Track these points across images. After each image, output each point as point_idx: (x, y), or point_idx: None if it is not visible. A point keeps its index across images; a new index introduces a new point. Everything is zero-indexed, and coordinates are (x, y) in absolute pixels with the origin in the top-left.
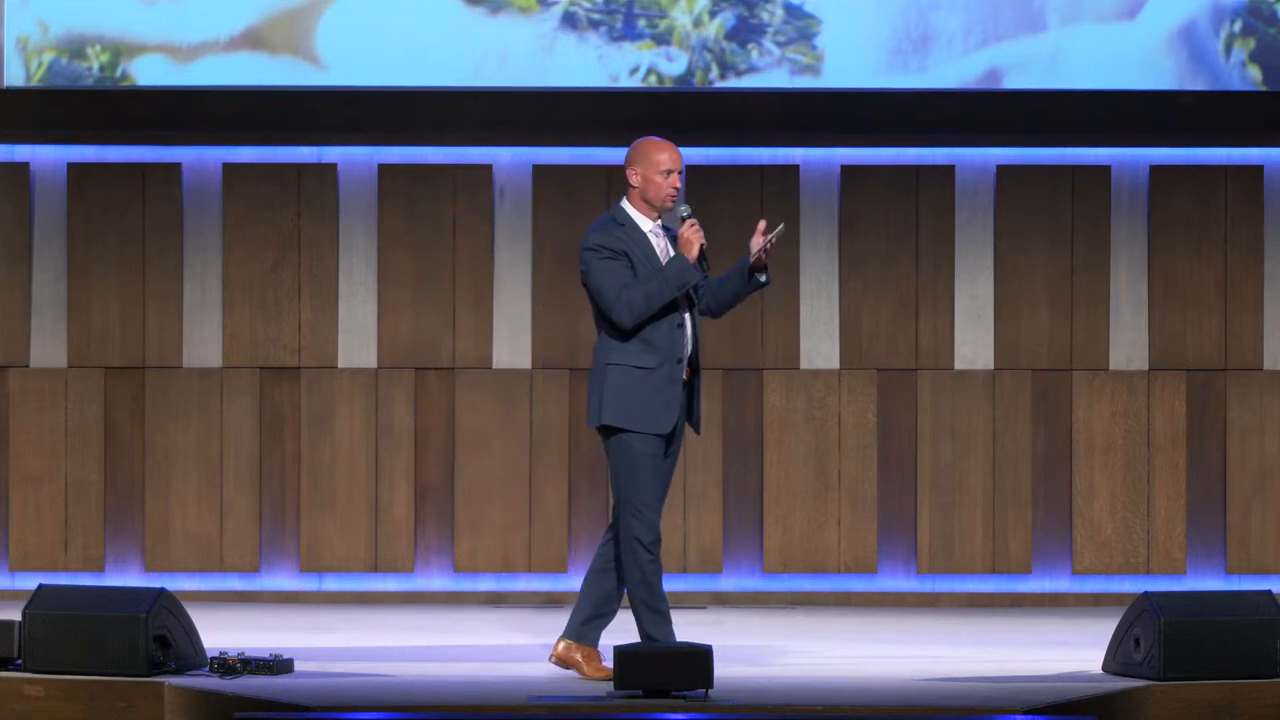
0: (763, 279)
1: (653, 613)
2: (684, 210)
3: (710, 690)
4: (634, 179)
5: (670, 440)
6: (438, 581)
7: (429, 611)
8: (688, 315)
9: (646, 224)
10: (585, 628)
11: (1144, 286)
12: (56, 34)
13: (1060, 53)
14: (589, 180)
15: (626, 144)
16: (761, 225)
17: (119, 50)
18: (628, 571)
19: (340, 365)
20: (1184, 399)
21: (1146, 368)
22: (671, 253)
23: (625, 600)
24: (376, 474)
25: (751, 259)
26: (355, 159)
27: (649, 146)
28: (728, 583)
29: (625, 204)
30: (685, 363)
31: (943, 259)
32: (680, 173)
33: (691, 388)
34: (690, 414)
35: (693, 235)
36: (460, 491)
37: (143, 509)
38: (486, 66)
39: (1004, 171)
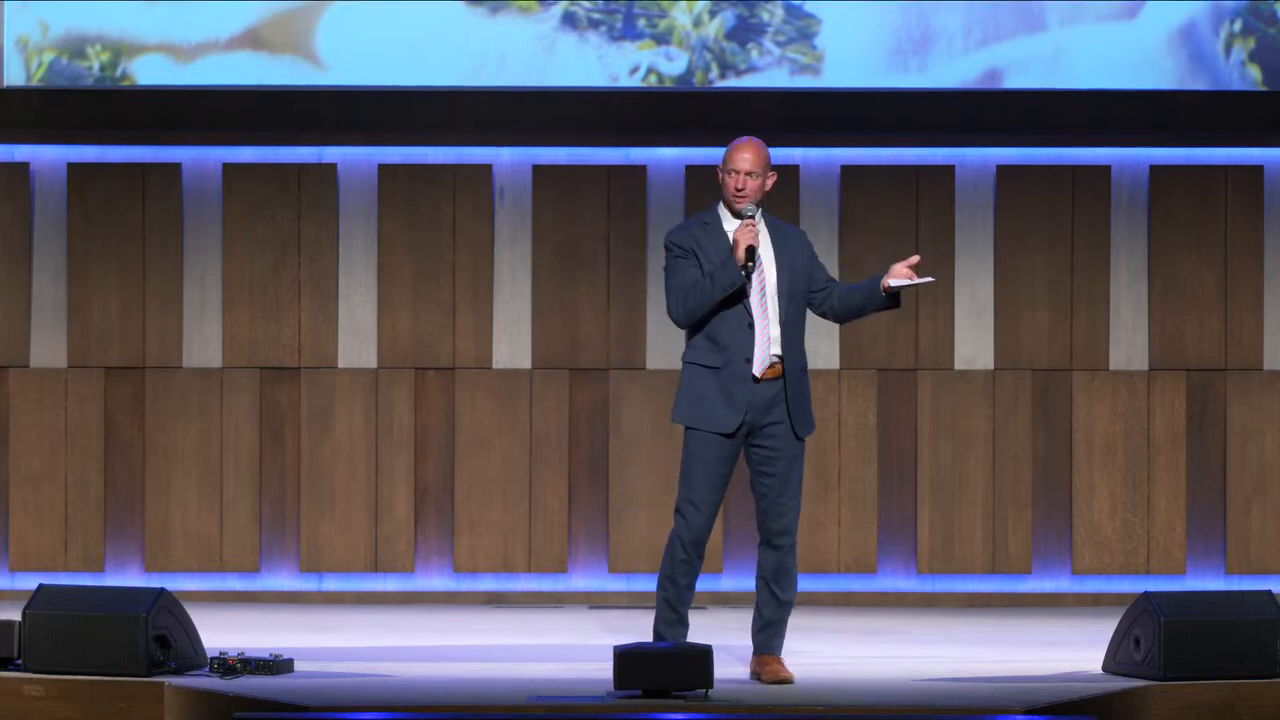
0: (896, 303)
1: (671, 611)
2: (748, 210)
3: (710, 690)
4: (719, 178)
5: (733, 438)
6: (438, 581)
7: (429, 611)
8: (768, 313)
9: (732, 224)
10: (759, 636)
11: (1144, 286)
12: (56, 34)
13: (1060, 53)
14: (589, 180)
15: (626, 144)
16: (915, 260)
17: (119, 50)
18: (662, 564)
19: (340, 365)
20: (1184, 399)
21: (1146, 368)
22: (758, 250)
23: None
24: (376, 474)
25: (885, 285)
26: (355, 159)
27: (730, 147)
28: (728, 583)
29: (719, 203)
30: (757, 362)
31: (943, 259)
32: (745, 174)
33: (784, 388)
34: (789, 415)
35: (739, 235)
36: (460, 491)
37: (143, 509)
38: (486, 66)
39: (1004, 171)
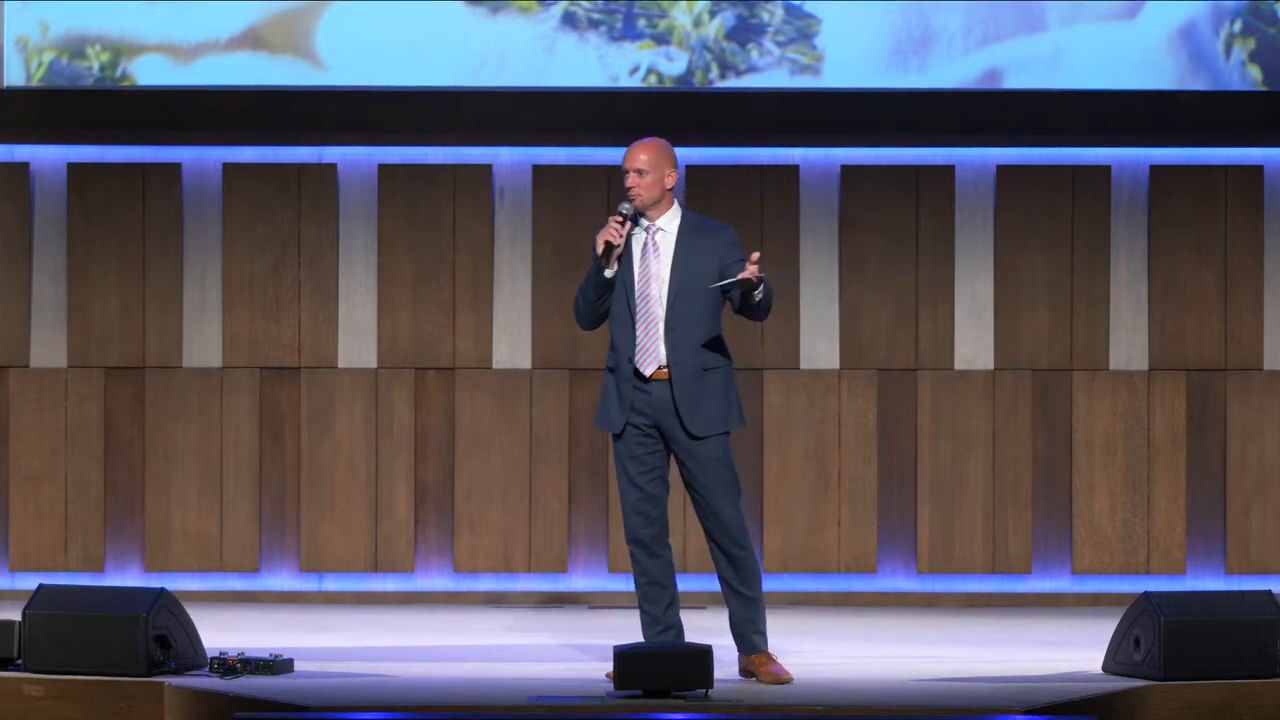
0: (756, 295)
1: (642, 610)
2: (622, 208)
3: (710, 690)
4: None
5: (622, 438)
6: (438, 581)
7: (429, 611)
8: (651, 313)
9: (644, 223)
10: (740, 639)
11: (1144, 286)
12: (56, 34)
13: (1060, 53)
14: (589, 180)
15: (626, 144)
16: (755, 255)
17: (119, 50)
18: None
19: (340, 365)
20: (1184, 399)
21: (1146, 368)
22: (656, 253)
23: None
24: (376, 474)
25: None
26: (355, 159)
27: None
28: None
29: None
30: (639, 362)
31: (943, 259)
32: (635, 171)
33: (671, 390)
34: (678, 415)
35: (600, 232)
36: (460, 491)
37: (143, 509)
38: (486, 66)
39: (1004, 171)
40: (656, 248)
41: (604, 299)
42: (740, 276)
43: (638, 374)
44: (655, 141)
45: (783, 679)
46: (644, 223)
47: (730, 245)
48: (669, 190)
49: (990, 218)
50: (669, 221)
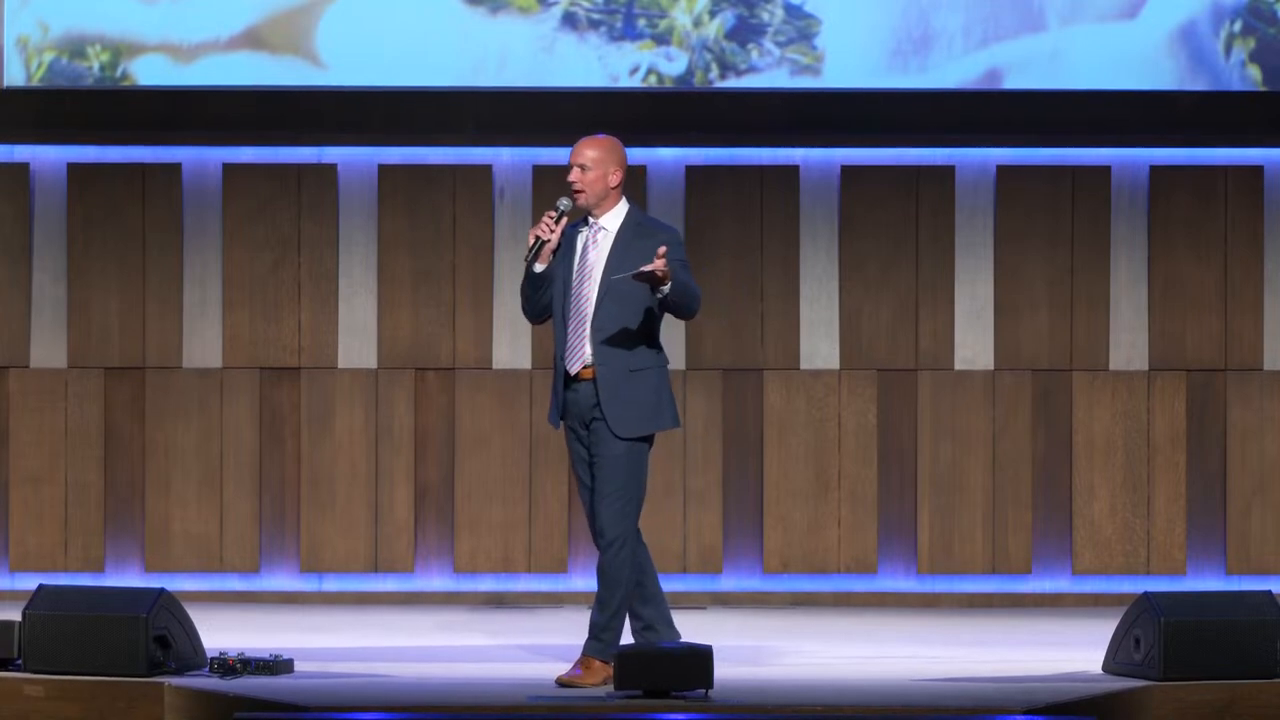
0: (661, 292)
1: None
2: (561, 204)
3: (710, 690)
4: None
5: (569, 437)
6: (438, 581)
7: (429, 611)
8: (579, 312)
9: (590, 221)
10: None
11: (1144, 286)
12: (56, 34)
13: (1060, 53)
14: None
15: (626, 144)
16: (661, 251)
17: (119, 50)
18: None
19: (340, 365)
20: (1184, 399)
21: (1146, 368)
22: (595, 251)
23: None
24: (376, 474)
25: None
26: (355, 159)
27: None
28: (728, 583)
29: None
30: (568, 360)
31: (943, 259)
32: (578, 166)
33: (596, 389)
34: (603, 413)
35: (532, 229)
36: (460, 491)
37: (143, 509)
38: (486, 66)
39: (1004, 171)
40: (596, 246)
41: (540, 293)
42: (641, 270)
43: (567, 372)
44: (604, 139)
45: (569, 680)
46: (590, 221)
47: (669, 245)
48: (614, 188)
49: (990, 218)
50: (612, 220)
